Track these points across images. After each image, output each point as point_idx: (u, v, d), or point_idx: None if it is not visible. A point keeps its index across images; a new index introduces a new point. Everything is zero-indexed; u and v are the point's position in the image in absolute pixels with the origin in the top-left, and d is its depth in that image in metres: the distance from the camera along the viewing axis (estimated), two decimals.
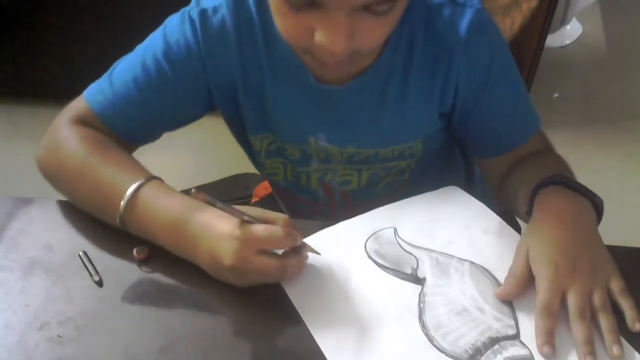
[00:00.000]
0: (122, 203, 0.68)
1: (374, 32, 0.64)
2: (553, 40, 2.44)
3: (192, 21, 0.76)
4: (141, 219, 0.68)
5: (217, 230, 0.63)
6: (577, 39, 2.53)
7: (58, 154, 0.75)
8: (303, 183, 0.90)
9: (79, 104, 0.79)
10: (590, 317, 0.60)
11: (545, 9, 1.03)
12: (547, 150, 0.84)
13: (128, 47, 0.80)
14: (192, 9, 0.76)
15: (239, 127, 0.87)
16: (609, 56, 2.49)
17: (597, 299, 0.61)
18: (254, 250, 0.61)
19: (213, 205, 0.62)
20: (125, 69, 0.78)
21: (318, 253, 0.67)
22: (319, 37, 0.61)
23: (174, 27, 0.77)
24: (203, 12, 0.76)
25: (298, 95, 0.79)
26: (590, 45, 2.53)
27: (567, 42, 2.51)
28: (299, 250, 0.66)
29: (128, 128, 0.79)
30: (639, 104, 2.25)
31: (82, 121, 0.77)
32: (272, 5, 0.65)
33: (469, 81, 0.77)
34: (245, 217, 0.62)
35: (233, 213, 0.62)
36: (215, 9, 0.76)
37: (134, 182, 0.68)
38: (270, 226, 0.63)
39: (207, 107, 0.83)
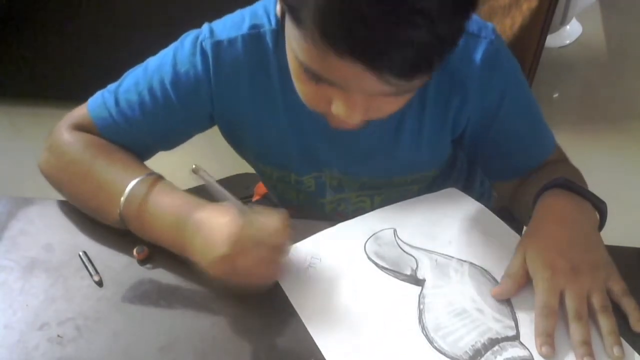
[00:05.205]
0: (122, 199, 0.68)
1: (390, 107, 0.64)
2: (553, 40, 2.44)
3: (203, 53, 0.73)
4: (141, 216, 0.68)
5: (216, 219, 0.62)
6: (577, 39, 2.52)
7: (63, 158, 0.75)
8: (316, 210, 0.90)
9: (82, 113, 0.78)
10: (588, 318, 0.60)
11: (545, 9, 1.03)
12: (561, 161, 0.83)
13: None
14: (205, 39, 0.73)
15: (245, 153, 0.87)
16: (609, 56, 2.48)
17: (597, 300, 0.61)
18: (251, 241, 0.60)
19: (212, 185, 0.61)
20: (132, 89, 0.76)
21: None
22: (336, 109, 0.61)
23: (184, 56, 0.74)
24: (217, 45, 0.73)
25: (313, 132, 0.78)
26: (590, 45, 2.53)
27: (567, 42, 2.50)
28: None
29: (128, 147, 0.77)
30: (639, 104, 2.25)
31: (85, 130, 0.77)
32: (291, 69, 0.63)
33: (481, 112, 0.76)
34: (244, 208, 0.62)
35: (231, 200, 0.62)
36: (230, 42, 0.73)
37: (135, 179, 0.68)
38: (269, 217, 0.62)
39: (207, 128, 0.83)
